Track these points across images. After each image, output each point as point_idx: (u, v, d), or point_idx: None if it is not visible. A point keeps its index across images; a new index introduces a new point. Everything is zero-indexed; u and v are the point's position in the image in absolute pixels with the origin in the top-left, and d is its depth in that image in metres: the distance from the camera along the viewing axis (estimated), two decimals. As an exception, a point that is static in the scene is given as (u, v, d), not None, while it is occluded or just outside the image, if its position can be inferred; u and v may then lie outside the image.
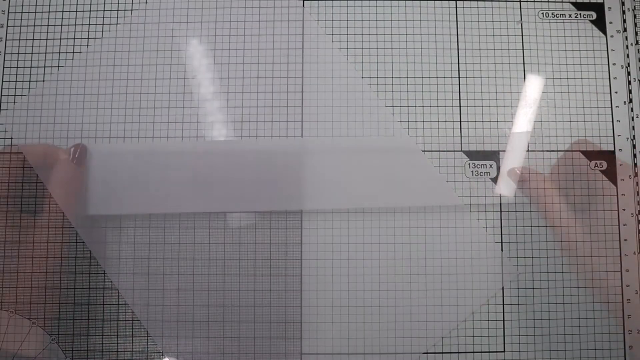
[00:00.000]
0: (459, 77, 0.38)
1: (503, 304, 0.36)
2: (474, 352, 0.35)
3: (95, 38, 0.38)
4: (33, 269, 0.35)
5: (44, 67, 0.38)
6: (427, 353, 0.35)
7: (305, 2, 0.39)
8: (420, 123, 0.37)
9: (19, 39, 0.38)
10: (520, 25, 0.38)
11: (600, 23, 0.39)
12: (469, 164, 0.37)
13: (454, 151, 0.37)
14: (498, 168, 0.37)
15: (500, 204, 0.37)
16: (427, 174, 0.36)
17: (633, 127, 0.37)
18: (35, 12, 0.38)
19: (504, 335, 0.36)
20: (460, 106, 0.37)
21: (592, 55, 0.38)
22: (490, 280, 0.36)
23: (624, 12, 0.39)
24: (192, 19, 0.38)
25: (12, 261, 0.35)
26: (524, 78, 0.38)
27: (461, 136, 0.37)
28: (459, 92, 0.38)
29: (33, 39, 0.38)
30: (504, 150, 0.37)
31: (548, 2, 0.39)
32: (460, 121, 0.37)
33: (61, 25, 0.38)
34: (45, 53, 0.38)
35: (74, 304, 0.36)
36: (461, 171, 0.37)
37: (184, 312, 0.36)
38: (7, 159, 0.36)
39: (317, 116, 0.37)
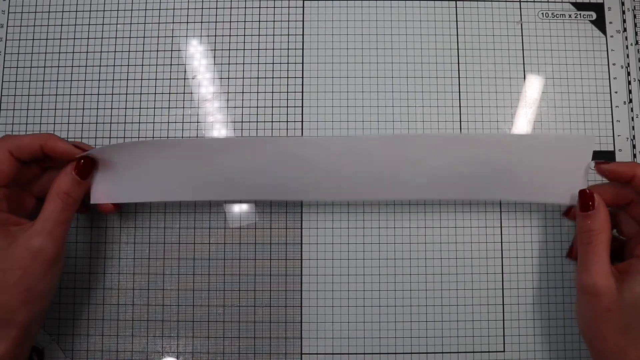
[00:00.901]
0: (459, 77, 0.38)
1: (503, 304, 0.36)
2: (473, 352, 0.35)
3: (95, 38, 0.38)
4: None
5: (44, 67, 0.38)
6: (427, 353, 0.35)
7: (305, 2, 0.39)
8: (420, 123, 0.37)
9: (19, 39, 0.38)
10: (520, 25, 0.38)
11: (600, 23, 0.39)
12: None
13: (454, 151, 0.37)
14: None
15: (500, 204, 0.37)
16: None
17: (633, 127, 0.37)
18: (35, 12, 0.38)
19: (503, 335, 0.36)
20: (460, 106, 0.37)
21: (592, 55, 0.38)
22: (490, 280, 0.36)
23: (624, 12, 0.39)
24: (192, 19, 0.38)
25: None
26: (524, 78, 0.38)
27: (461, 136, 0.37)
28: (459, 92, 0.38)
29: (33, 39, 0.38)
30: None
31: (548, 2, 0.39)
32: (460, 121, 0.37)
33: (61, 25, 0.38)
34: (45, 53, 0.38)
35: (74, 304, 0.36)
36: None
37: (184, 312, 0.36)
38: None
39: (317, 116, 0.37)
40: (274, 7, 0.38)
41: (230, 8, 0.38)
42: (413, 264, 0.36)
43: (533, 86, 0.38)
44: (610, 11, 0.39)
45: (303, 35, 0.38)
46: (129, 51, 0.38)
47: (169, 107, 0.37)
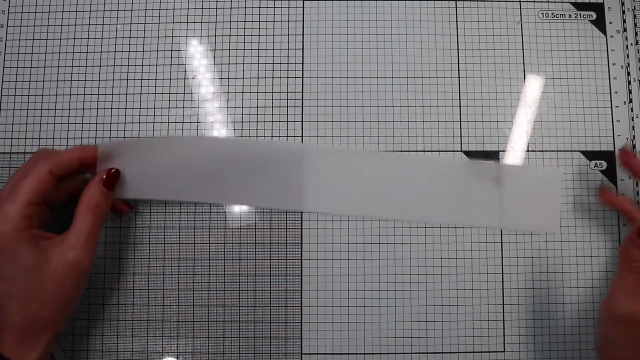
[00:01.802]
0: (459, 77, 0.38)
1: (503, 304, 0.36)
2: (473, 352, 0.35)
3: (95, 38, 0.38)
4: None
5: (44, 67, 0.38)
6: (427, 353, 0.35)
7: (305, 2, 0.39)
8: (420, 123, 0.37)
9: (19, 39, 0.38)
10: (520, 25, 0.38)
11: (600, 23, 0.39)
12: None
13: (454, 151, 0.37)
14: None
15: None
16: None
17: (633, 127, 0.37)
18: (35, 12, 0.38)
19: (504, 335, 0.36)
20: (460, 106, 0.37)
21: (592, 55, 0.38)
22: (490, 280, 0.36)
23: (624, 12, 0.39)
24: (192, 19, 0.38)
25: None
26: (524, 78, 0.38)
27: (461, 136, 0.37)
28: (459, 92, 0.38)
29: (33, 39, 0.38)
30: (504, 150, 0.37)
31: (548, 2, 0.39)
32: (460, 121, 0.37)
33: (61, 25, 0.38)
34: (45, 53, 0.38)
35: (74, 304, 0.36)
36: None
37: (184, 312, 0.36)
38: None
39: (317, 116, 0.37)
40: (274, 7, 0.38)
41: (230, 8, 0.38)
42: (413, 264, 0.36)
43: (533, 86, 0.38)
44: (610, 11, 0.39)
45: (303, 35, 0.38)
46: (129, 51, 0.38)
47: (169, 107, 0.37)
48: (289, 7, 0.38)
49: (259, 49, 0.38)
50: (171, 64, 0.38)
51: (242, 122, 0.37)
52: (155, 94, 0.37)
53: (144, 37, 0.38)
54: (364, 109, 0.37)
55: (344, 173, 0.35)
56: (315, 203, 0.35)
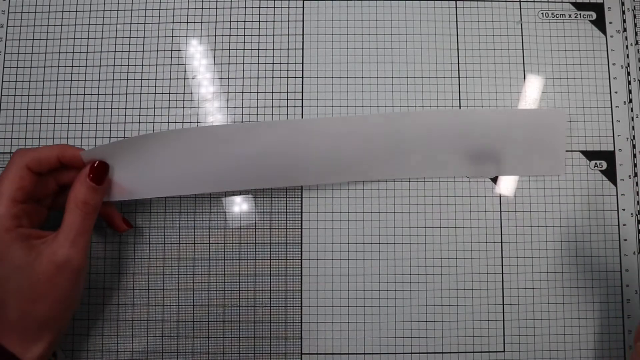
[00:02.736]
0: (459, 77, 0.38)
1: (503, 304, 0.36)
2: (473, 352, 0.35)
3: (95, 38, 0.38)
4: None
5: (44, 67, 0.38)
6: (427, 353, 0.35)
7: (305, 2, 0.39)
8: (420, 123, 0.37)
9: (19, 39, 0.38)
10: (520, 25, 0.38)
11: (600, 23, 0.39)
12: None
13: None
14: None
15: (500, 204, 0.37)
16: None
17: (633, 127, 0.37)
18: (35, 12, 0.38)
19: (504, 335, 0.36)
20: (460, 106, 0.37)
21: (592, 55, 0.38)
22: (490, 280, 0.36)
23: (623, 12, 0.39)
24: (192, 19, 0.38)
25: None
26: (524, 78, 0.38)
27: (461, 136, 0.37)
28: (459, 92, 0.38)
29: (33, 39, 0.38)
30: (504, 150, 0.37)
31: (548, 2, 0.39)
32: (460, 121, 0.37)
33: (61, 25, 0.38)
34: (45, 53, 0.38)
35: (74, 304, 0.36)
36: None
37: (184, 312, 0.36)
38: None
39: (317, 116, 0.37)
40: (274, 7, 0.38)
41: (230, 8, 0.38)
42: (413, 264, 0.36)
43: (533, 86, 0.38)
44: (610, 11, 0.39)
45: (303, 35, 0.38)
46: (129, 51, 0.38)
47: (169, 107, 0.37)
48: (289, 7, 0.38)
49: (259, 49, 0.38)
50: (171, 64, 0.38)
51: (242, 122, 0.37)
52: (155, 94, 0.37)
53: (144, 37, 0.38)
54: (364, 109, 0.37)
55: (342, 140, 0.34)
56: (314, 176, 0.35)
